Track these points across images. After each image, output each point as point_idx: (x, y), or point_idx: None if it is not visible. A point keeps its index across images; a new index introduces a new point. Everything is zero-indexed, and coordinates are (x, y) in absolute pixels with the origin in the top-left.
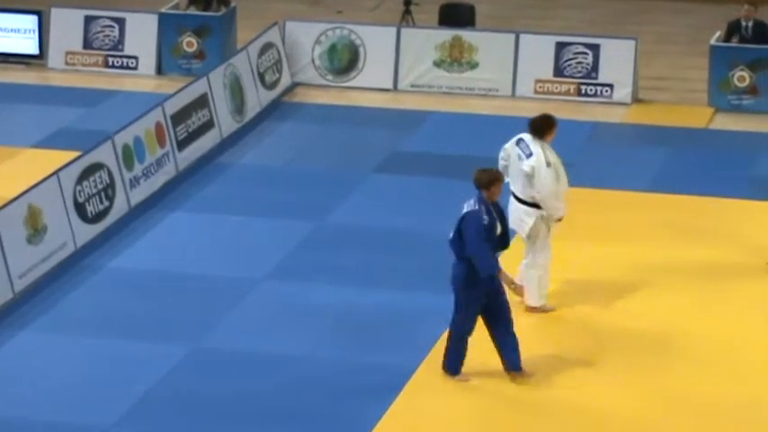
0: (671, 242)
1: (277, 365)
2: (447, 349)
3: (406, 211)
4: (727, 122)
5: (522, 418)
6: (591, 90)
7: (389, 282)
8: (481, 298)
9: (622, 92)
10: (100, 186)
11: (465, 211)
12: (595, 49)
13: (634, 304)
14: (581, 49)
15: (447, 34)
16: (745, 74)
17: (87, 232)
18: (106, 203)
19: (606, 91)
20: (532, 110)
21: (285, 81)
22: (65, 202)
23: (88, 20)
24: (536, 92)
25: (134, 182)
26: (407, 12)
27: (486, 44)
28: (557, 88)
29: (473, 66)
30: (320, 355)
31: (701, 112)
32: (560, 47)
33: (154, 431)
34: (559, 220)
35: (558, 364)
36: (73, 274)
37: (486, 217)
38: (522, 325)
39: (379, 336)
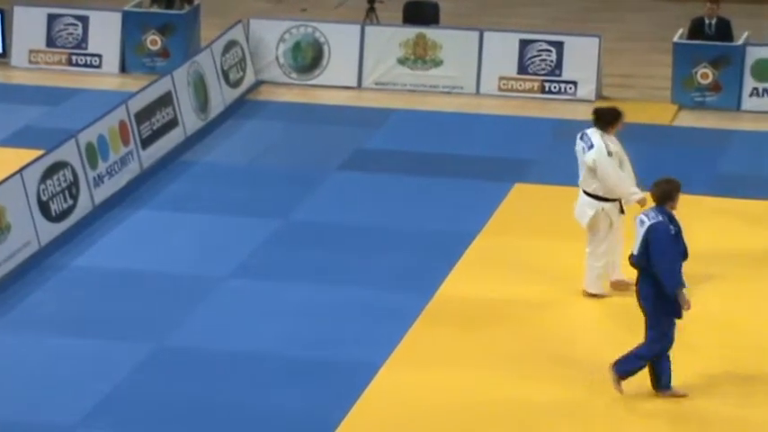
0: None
1: (242, 363)
2: (653, 371)
3: (371, 209)
4: (690, 119)
5: (490, 417)
6: (555, 87)
7: (354, 279)
8: (675, 311)
9: (586, 89)
10: (64, 185)
11: (649, 223)
12: (559, 46)
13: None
14: (545, 46)
15: (411, 32)
16: (709, 71)
17: (51, 231)
18: (70, 202)
19: (570, 88)
20: (496, 107)
21: (249, 79)
22: (28, 200)
23: (51, 18)
24: (500, 89)
25: (98, 180)
26: (371, 9)
27: (450, 42)
28: (521, 86)
29: (437, 63)
30: (285, 352)
31: (665, 109)
32: (524, 44)
33: (118, 431)
34: (640, 203)
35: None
36: (37, 273)
37: (672, 227)
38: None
39: (345, 333)
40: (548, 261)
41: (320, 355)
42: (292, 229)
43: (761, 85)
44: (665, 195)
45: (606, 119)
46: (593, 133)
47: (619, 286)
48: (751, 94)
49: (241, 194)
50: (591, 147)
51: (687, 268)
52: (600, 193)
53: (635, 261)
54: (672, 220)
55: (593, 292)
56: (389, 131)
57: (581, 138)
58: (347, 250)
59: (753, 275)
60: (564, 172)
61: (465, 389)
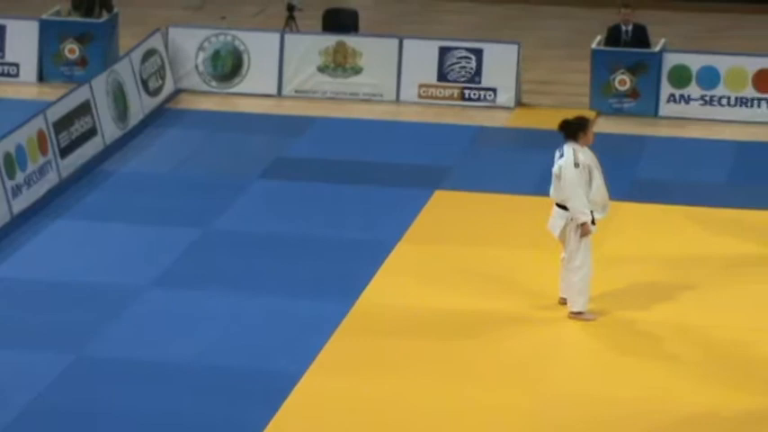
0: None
1: (163, 374)
2: None
3: (292, 217)
4: (609, 126)
5: (412, 426)
6: (474, 94)
7: (276, 287)
8: None
9: (505, 96)
10: None
11: None
12: (478, 53)
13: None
14: (464, 53)
15: (331, 40)
16: (626, 77)
17: None
18: None
19: (489, 95)
20: (416, 114)
21: (169, 87)
22: None
23: None
24: (420, 96)
25: (16, 190)
26: (291, 18)
27: (370, 49)
28: (440, 93)
29: (357, 71)
30: (207, 362)
31: (584, 115)
32: (443, 52)
33: None
34: (583, 225)
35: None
36: None
37: None
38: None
39: (266, 342)
40: (469, 268)
41: (242, 364)
42: (214, 237)
43: (678, 92)
44: None
45: (571, 129)
46: (567, 145)
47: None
48: (668, 101)
49: (161, 204)
50: (561, 157)
51: (607, 274)
52: (564, 203)
53: None
54: None
55: (576, 309)
56: (310, 139)
57: (558, 149)
58: (269, 259)
59: (672, 281)
60: (484, 179)
61: (387, 397)
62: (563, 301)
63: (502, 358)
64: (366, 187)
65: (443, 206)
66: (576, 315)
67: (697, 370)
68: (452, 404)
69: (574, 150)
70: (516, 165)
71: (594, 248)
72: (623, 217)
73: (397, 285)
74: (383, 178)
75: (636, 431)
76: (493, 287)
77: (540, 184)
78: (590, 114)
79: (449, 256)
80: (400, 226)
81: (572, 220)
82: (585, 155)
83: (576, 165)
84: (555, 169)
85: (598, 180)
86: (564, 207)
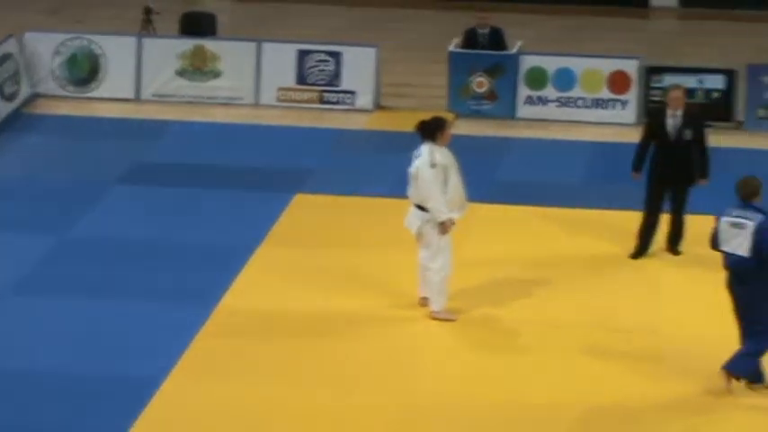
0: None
1: (22, 382)
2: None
3: (151, 223)
4: (467, 128)
5: (275, 430)
6: (333, 98)
7: (135, 293)
8: None
9: (364, 99)
10: None
11: (755, 224)
12: (337, 56)
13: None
14: (323, 57)
15: (189, 43)
16: (484, 80)
17: None
18: None
19: (348, 98)
20: (275, 118)
21: (24, 92)
22: None
23: None
24: (279, 100)
25: None
26: (148, 21)
27: (229, 53)
28: (299, 96)
29: (216, 74)
30: (65, 369)
31: (441, 115)
32: (302, 55)
33: None
34: (443, 224)
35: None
36: None
37: None
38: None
39: (127, 348)
40: (330, 270)
41: (102, 370)
42: (71, 244)
43: (535, 93)
44: (754, 192)
45: (428, 129)
46: (424, 145)
47: (425, 303)
48: (525, 102)
49: (17, 210)
50: (418, 157)
51: (468, 273)
52: (420, 203)
53: (738, 265)
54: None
55: (437, 309)
56: (169, 144)
57: (416, 150)
58: (128, 264)
59: (531, 280)
60: (343, 182)
61: (249, 401)
62: (423, 302)
63: (365, 358)
64: (226, 191)
65: (304, 209)
66: (438, 314)
67: (556, 366)
68: (312, 405)
69: (431, 150)
70: (375, 167)
71: (455, 249)
72: (483, 218)
73: (258, 288)
74: (242, 182)
75: (497, 427)
76: (354, 289)
77: (399, 185)
78: (448, 116)
79: (310, 259)
80: (261, 229)
81: (429, 221)
82: (442, 155)
83: (433, 165)
84: (412, 169)
85: (454, 179)
86: (422, 207)
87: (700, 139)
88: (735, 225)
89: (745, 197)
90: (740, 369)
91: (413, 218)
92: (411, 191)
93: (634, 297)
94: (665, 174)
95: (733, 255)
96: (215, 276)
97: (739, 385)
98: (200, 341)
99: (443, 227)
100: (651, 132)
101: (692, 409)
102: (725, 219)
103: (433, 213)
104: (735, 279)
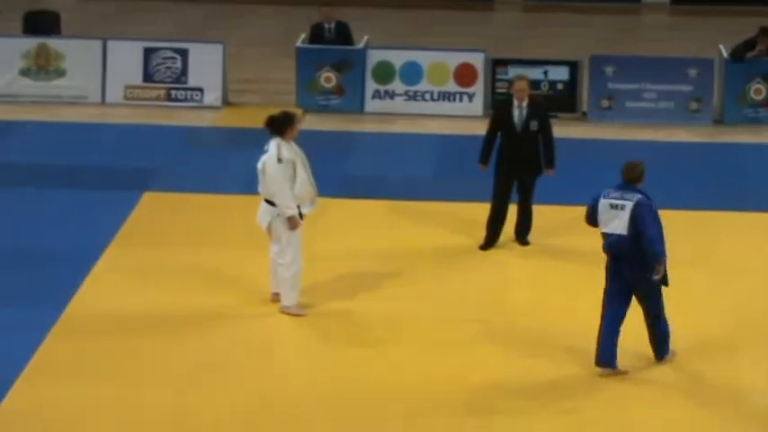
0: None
1: None
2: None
3: None
4: (316, 123)
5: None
6: (181, 95)
7: None
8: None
9: (212, 95)
10: None
11: (633, 203)
12: (184, 53)
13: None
14: (169, 54)
15: (32, 42)
16: (332, 74)
17: None
18: None
19: (196, 95)
20: (122, 116)
21: None
22: None
23: None
24: (126, 98)
25: None
26: None
27: (73, 51)
28: (147, 94)
29: (60, 73)
30: None
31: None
32: (149, 52)
33: None
34: (291, 218)
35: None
36: None
37: (651, 202)
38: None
39: None
40: (180, 268)
41: None
42: None
43: (382, 87)
44: (640, 175)
45: (276, 124)
46: (272, 141)
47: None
48: (373, 97)
49: None
50: (266, 152)
51: (320, 267)
52: (270, 198)
53: (615, 246)
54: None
55: (288, 304)
56: (14, 144)
57: (266, 145)
58: None
59: (383, 273)
60: (193, 179)
61: (102, 401)
62: (275, 297)
63: (216, 355)
64: (73, 192)
65: (153, 208)
66: (288, 309)
67: (411, 358)
68: (158, 403)
69: (278, 145)
70: (224, 164)
71: (307, 244)
72: (334, 213)
73: (108, 289)
74: (90, 182)
75: (349, 420)
76: (205, 286)
77: (248, 182)
78: (296, 111)
79: (160, 258)
80: (109, 229)
81: (279, 215)
82: (290, 150)
83: (280, 160)
84: (259, 165)
85: (302, 175)
86: (271, 202)
87: (545, 130)
88: (614, 206)
89: (631, 180)
90: (664, 350)
91: (263, 213)
92: (260, 186)
93: (483, 287)
94: (512, 165)
95: (612, 235)
96: (64, 278)
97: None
98: (50, 343)
99: (292, 222)
100: (497, 124)
101: (552, 387)
102: (604, 200)
103: (280, 209)
104: (615, 261)
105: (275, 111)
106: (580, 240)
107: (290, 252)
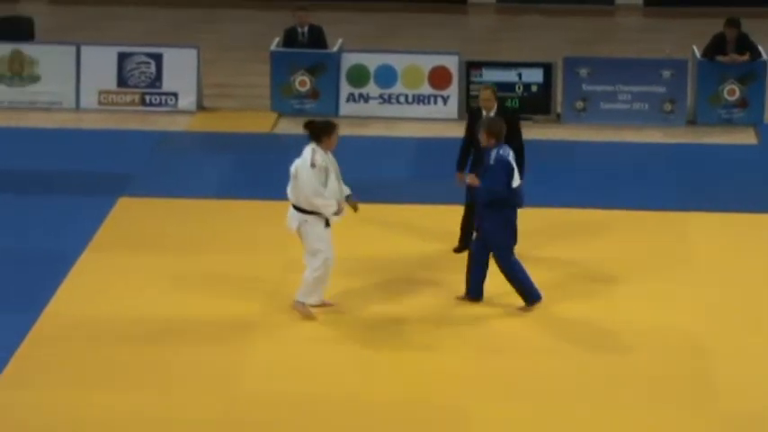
0: (239, 246)
1: None
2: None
3: None
4: (290, 126)
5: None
6: (155, 99)
7: None
8: None
9: (186, 100)
10: None
11: (493, 159)
12: (158, 58)
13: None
14: (143, 59)
15: (6, 48)
16: (306, 78)
17: None
18: None
19: (171, 100)
20: (97, 121)
21: None
22: None
23: None
24: (100, 103)
25: None
26: None
27: (47, 57)
28: (121, 99)
29: (34, 79)
30: None
31: (265, 117)
32: (123, 57)
33: None
34: (336, 214)
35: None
36: None
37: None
38: None
39: None
40: (156, 274)
41: None
42: None
43: (356, 91)
44: (499, 136)
45: (315, 130)
46: (308, 146)
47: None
48: (348, 100)
49: None
50: (300, 156)
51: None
52: (302, 205)
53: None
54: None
55: (302, 300)
56: None
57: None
58: None
59: (362, 277)
60: (167, 184)
61: (78, 407)
62: (297, 305)
63: (190, 360)
64: (48, 197)
65: (128, 213)
66: (301, 307)
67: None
68: (135, 410)
69: (313, 151)
70: (199, 168)
71: (281, 248)
72: None
73: (83, 295)
74: (64, 188)
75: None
76: (181, 290)
77: (223, 186)
78: (333, 121)
79: (135, 263)
80: (85, 234)
81: (306, 222)
82: (324, 158)
83: (313, 164)
84: (292, 169)
85: (333, 184)
86: (298, 208)
87: (514, 140)
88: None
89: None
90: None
91: (292, 219)
92: (290, 190)
93: (457, 290)
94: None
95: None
96: (39, 284)
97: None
98: (25, 350)
99: (340, 211)
100: (470, 131)
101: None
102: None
103: (321, 210)
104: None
105: (249, 115)
106: (559, 244)
107: (320, 257)
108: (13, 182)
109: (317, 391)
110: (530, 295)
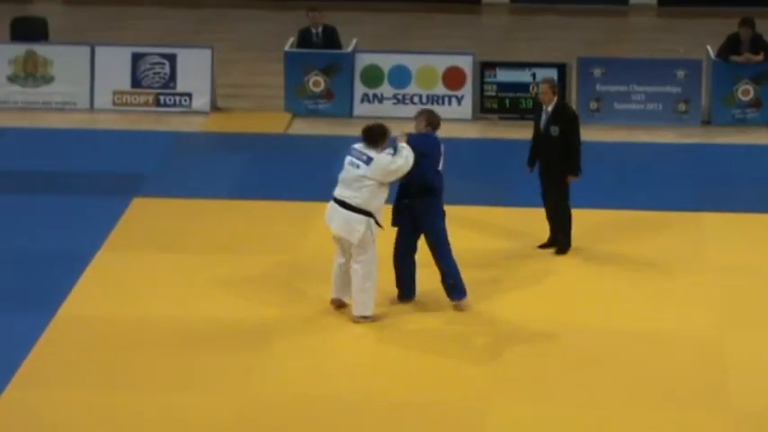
0: (255, 247)
1: None
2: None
3: None
4: (304, 127)
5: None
6: (170, 100)
7: None
8: None
9: (201, 101)
10: None
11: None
12: (172, 59)
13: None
14: (157, 59)
15: (20, 49)
16: (320, 79)
17: None
18: None
19: (185, 100)
20: (111, 122)
21: None
22: None
23: None
24: (114, 104)
25: None
26: None
27: (61, 57)
28: (135, 99)
29: (48, 80)
30: None
31: (279, 117)
32: (137, 58)
33: None
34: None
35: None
36: None
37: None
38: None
39: None
40: (172, 275)
41: None
42: None
43: (371, 91)
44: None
45: (373, 136)
46: (367, 149)
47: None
48: (362, 100)
49: None
50: (369, 161)
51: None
52: (367, 208)
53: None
54: None
55: (368, 314)
56: (3, 151)
57: (350, 152)
58: None
59: None
60: (182, 184)
61: (93, 408)
62: (341, 302)
63: (217, 363)
64: (62, 198)
65: (142, 213)
66: (365, 318)
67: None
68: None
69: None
70: (213, 169)
71: (296, 248)
72: (323, 217)
73: (98, 295)
74: (79, 188)
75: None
76: (195, 290)
77: (238, 187)
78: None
79: (149, 264)
80: (99, 235)
81: (369, 225)
82: None
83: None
84: (353, 172)
85: (387, 191)
86: (362, 211)
87: (568, 136)
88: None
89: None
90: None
91: (355, 224)
92: (353, 193)
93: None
94: (540, 168)
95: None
96: (54, 284)
97: None
98: (40, 350)
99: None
100: (535, 125)
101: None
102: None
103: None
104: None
105: (264, 116)
106: (571, 244)
107: (374, 263)
108: (27, 182)
109: (331, 394)
110: (458, 290)
